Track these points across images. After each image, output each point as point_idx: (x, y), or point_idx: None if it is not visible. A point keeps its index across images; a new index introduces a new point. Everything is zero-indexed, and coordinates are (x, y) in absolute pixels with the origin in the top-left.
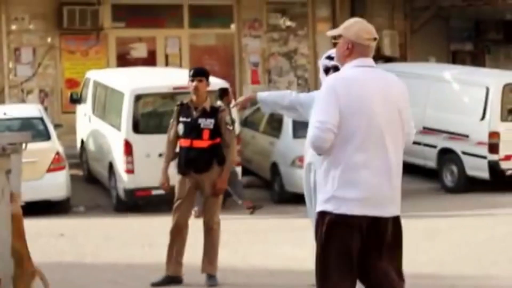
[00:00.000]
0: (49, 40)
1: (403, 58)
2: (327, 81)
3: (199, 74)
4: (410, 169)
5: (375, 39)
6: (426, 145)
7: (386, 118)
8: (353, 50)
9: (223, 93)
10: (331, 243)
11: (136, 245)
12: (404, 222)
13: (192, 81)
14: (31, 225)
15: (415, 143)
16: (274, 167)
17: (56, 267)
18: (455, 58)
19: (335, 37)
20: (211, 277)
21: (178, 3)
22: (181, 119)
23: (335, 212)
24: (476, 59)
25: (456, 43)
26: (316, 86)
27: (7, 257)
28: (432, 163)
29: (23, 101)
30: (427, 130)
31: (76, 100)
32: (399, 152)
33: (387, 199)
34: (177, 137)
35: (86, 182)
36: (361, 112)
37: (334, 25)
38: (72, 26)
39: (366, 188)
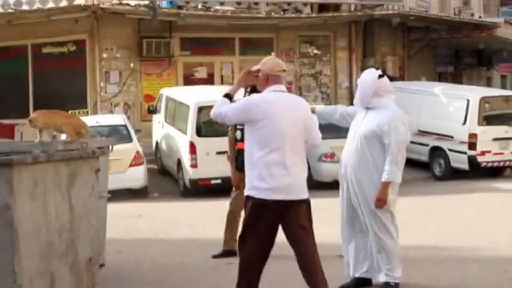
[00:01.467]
0: (132, 65)
1: (401, 78)
2: (251, 97)
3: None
4: (407, 162)
5: (284, 70)
6: (420, 144)
7: (291, 128)
8: (268, 79)
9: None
10: (252, 219)
11: (199, 224)
12: (404, 204)
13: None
14: (116, 208)
15: (412, 142)
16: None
17: (136, 242)
18: (440, 78)
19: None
20: None
21: (231, 36)
22: (238, 126)
23: (255, 197)
24: (456, 79)
25: (441, 66)
26: (336, 99)
27: (98, 240)
28: (424, 158)
29: (111, 112)
30: (421, 132)
31: (152, 111)
32: (301, 152)
33: (293, 187)
34: (235, 141)
35: (160, 174)
36: (272, 123)
37: (350, 53)
38: (149, 54)
39: (276, 180)
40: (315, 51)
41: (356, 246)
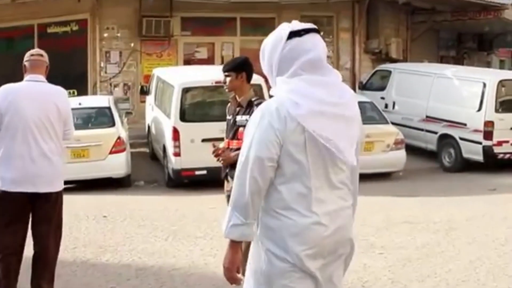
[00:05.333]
0: (132, 45)
1: (404, 60)
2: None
3: (226, 69)
4: (413, 151)
5: (40, 55)
6: (428, 131)
7: (36, 118)
8: (26, 68)
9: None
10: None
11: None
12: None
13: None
14: (86, 202)
15: (418, 129)
16: None
17: None
18: (442, 61)
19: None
20: None
21: (233, 16)
22: (227, 116)
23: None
24: (457, 63)
25: (443, 50)
26: None
27: None
28: (432, 146)
29: (111, 92)
30: (429, 119)
31: (144, 92)
32: (52, 142)
33: (38, 178)
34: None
35: (151, 158)
36: (15, 113)
37: (353, 34)
38: (149, 34)
39: (18, 170)
40: None
41: None
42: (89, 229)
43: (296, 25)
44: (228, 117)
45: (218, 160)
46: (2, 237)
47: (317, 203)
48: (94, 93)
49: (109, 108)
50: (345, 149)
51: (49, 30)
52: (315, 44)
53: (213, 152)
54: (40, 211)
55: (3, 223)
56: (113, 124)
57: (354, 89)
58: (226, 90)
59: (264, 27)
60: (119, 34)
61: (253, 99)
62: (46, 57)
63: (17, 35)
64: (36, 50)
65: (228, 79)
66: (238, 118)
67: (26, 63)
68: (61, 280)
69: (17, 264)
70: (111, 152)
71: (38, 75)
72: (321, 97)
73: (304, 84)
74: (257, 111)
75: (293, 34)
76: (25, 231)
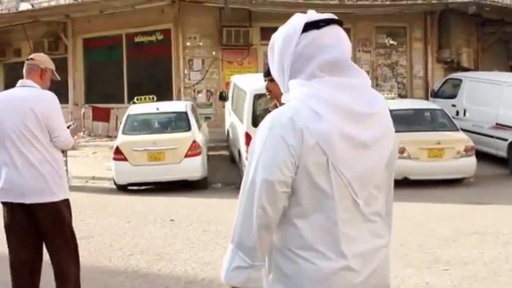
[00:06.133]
0: (213, 53)
1: (475, 69)
2: None
3: (268, 73)
4: (483, 157)
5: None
6: (498, 138)
7: (14, 127)
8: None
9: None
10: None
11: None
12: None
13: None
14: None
15: (488, 136)
16: None
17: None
18: (511, 71)
19: None
20: None
21: None
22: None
23: None
24: None
25: None
26: (412, 90)
27: None
28: (503, 153)
29: (194, 98)
30: (499, 126)
31: (223, 98)
32: (37, 151)
33: (25, 189)
34: None
35: (230, 161)
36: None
37: (426, 44)
38: (229, 43)
39: (5, 180)
40: (391, 42)
41: None
42: (153, 233)
43: (314, 15)
44: None
45: None
46: (12, 249)
47: (345, 241)
48: (179, 98)
49: (185, 113)
50: (370, 196)
51: (136, 40)
52: (338, 39)
53: None
54: (42, 224)
55: (13, 235)
56: (189, 129)
57: (427, 97)
58: (268, 96)
59: None
60: (201, 43)
61: None
62: (39, 60)
63: (107, 44)
64: (32, 55)
65: (270, 83)
66: None
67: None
68: None
69: (30, 277)
70: (186, 156)
71: (28, 80)
72: (349, 106)
73: (327, 88)
74: (265, 121)
75: (309, 26)
76: (36, 244)
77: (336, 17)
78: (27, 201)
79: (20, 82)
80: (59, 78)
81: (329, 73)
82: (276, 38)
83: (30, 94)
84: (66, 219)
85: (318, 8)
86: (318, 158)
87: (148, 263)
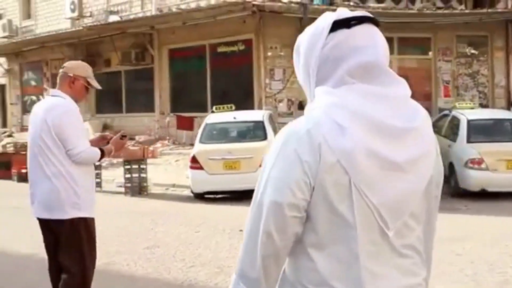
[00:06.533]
0: None
1: None
2: None
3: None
4: None
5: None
6: None
7: (35, 139)
8: None
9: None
10: None
11: None
12: None
13: None
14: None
15: None
16: (451, 166)
17: None
18: None
19: None
20: None
21: (389, 36)
22: None
23: None
24: None
25: None
26: (493, 100)
27: None
28: None
29: (275, 107)
30: None
31: (303, 107)
32: (53, 165)
33: (38, 204)
34: None
35: None
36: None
37: (507, 53)
38: None
39: (30, 194)
40: (472, 51)
41: None
42: (219, 244)
43: (344, 12)
44: None
45: None
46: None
47: (368, 279)
48: (260, 108)
49: (262, 122)
50: (405, 226)
51: (219, 50)
52: (372, 40)
53: None
54: (58, 238)
55: (44, 243)
56: (265, 138)
57: (509, 107)
58: None
59: (420, 46)
60: (282, 53)
61: None
62: (68, 68)
63: (191, 54)
64: (65, 63)
65: None
66: None
67: None
68: None
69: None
70: (261, 165)
71: (57, 89)
72: (380, 119)
73: (355, 96)
74: (280, 133)
75: (338, 25)
76: (55, 266)
77: (370, 15)
78: (37, 215)
79: (50, 91)
80: (98, 87)
81: (360, 80)
82: (302, 39)
83: (47, 104)
84: (77, 240)
85: (395, 17)
86: (338, 179)
87: (207, 275)
